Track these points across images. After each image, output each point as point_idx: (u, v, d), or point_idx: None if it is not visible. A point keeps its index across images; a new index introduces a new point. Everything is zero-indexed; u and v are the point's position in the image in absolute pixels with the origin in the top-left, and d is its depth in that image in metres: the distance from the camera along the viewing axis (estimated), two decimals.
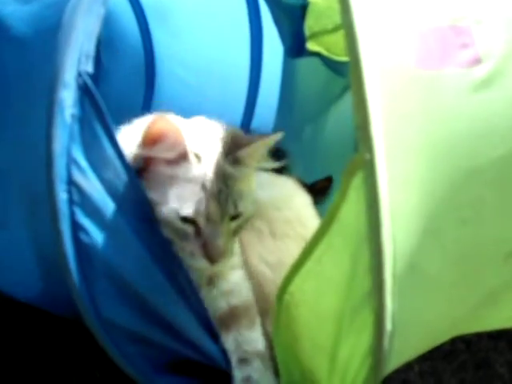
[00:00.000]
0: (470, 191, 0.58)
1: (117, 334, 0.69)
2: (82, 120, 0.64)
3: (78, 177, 0.64)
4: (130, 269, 0.68)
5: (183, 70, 1.51)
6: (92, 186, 0.65)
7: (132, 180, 0.68)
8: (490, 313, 0.75)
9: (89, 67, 0.65)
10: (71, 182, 0.64)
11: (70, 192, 0.64)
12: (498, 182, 0.60)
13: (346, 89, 1.26)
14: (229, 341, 0.76)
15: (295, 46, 1.23)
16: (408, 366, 0.98)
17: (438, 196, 0.56)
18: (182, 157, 0.71)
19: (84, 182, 0.64)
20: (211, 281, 0.78)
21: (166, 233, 0.71)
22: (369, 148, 0.49)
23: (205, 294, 0.76)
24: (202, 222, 0.70)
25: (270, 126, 1.45)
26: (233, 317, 0.78)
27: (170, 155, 0.70)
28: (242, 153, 0.74)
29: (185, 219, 0.70)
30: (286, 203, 0.94)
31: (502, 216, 0.62)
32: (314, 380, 0.74)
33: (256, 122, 1.46)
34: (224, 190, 0.71)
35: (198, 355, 0.75)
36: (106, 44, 1.53)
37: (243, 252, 0.83)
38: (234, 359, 0.76)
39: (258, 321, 0.78)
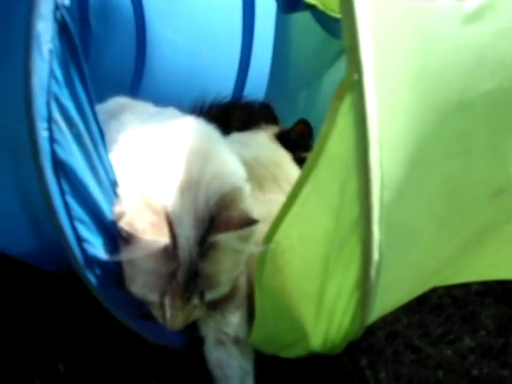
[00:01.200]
0: (458, 124, 0.58)
1: (103, 276, 0.69)
2: (59, 56, 0.62)
3: (57, 115, 0.62)
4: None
5: (174, 32, 1.50)
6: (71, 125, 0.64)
7: (100, 132, 0.67)
8: (476, 257, 0.76)
9: (65, 0, 0.61)
10: (51, 120, 0.62)
11: (50, 130, 0.62)
12: (487, 116, 0.60)
13: (340, 53, 1.24)
14: (210, 320, 0.76)
15: None
16: (396, 319, 1.00)
17: (426, 127, 0.56)
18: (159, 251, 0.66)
19: (64, 120, 0.63)
20: None
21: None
22: (357, 68, 0.48)
23: None
24: (165, 303, 0.68)
25: (263, 90, 1.45)
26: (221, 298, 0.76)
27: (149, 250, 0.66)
28: (216, 237, 0.68)
29: None
30: (273, 162, 0.94)
31: (491, 152, 0.62)
32: (299, 328, 0.75)
33: (249, 86, 1.46)
34: (192, 280, 0.68)
35: None
36: (97, 10, 1.52)
37: None
38: (210, 339, 0.76)
39: (243, 307, 0.78)
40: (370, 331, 0.95)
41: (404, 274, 0.67)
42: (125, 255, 0.67)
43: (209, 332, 0.76)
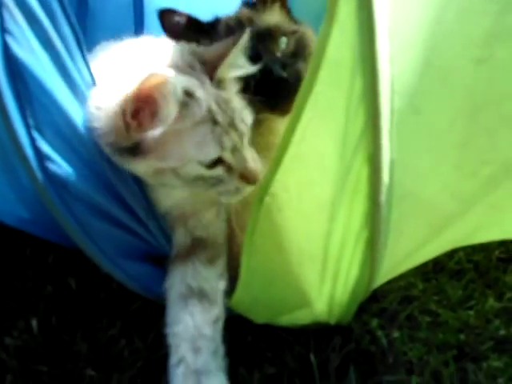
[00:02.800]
0: (487, 22, 0.48)
1: (78, 206, 0.61)
2: None
3: (10, 3, 0.54)
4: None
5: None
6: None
7: (76, 34, 0.60)
8: (503, 203, 0.67)
9: None
10: (2, 5, 0.54)
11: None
12: None
13: None
14: (177, 271, 0.69)
15: None
16: (410, 284, 0.91)
17: (447, 23, 0.46)
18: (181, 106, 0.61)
19: (20, 12, 0.55)
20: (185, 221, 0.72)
21: (189, 188, 0.66)
22: None
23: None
24: (228, 156, 0.64)
25: None
26: (193, 248, 0.70)
27: (171, 114, 0.60)
28: (222, 73, 0.65)
29: (211, 164, 0.63)
30: (268, 128, 0.86)
31: None
32: (300, 292, 0.67)
33: None
34: (226, 114, 0.64)
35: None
36: None
37: None
38: (173, 294, 0.68)
39: (220, 263, 0.70)
40: (382, 296, 0.87)
41: (420, 211, 0.57)
42: (166, 126, 0.59)
43: (174, 284, 0.68)
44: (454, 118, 0.51)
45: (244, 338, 0.73)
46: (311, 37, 0.77)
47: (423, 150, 0.52)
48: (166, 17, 0.83)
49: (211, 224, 0.73)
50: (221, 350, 0.66)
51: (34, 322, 0.76)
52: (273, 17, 0.77)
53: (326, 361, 0.73)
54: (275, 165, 0.55)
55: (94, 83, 0.64)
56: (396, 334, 0.77)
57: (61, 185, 0.59)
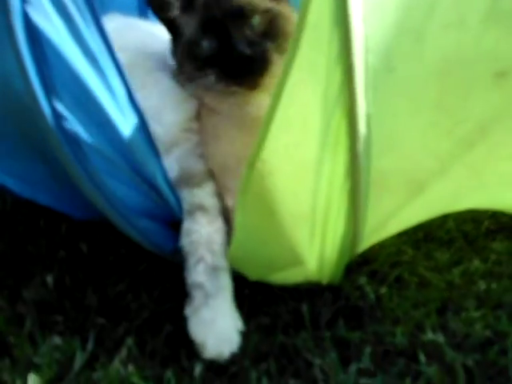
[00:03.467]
0: None
1: (90, 163, 0.68)
2: None
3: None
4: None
5: None
6: None
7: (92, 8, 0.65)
8: (484, 165, 0.71)
9: None
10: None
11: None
12: None
13: None
14: (182, 197, 0.80)
15: None
16: (401, 251, 0.96)
17: None
18: None
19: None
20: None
21: None
22: None
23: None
24: None
25: None
26: (183, 179, 0.80)
27: None
28: None
29: None
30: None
31: (493, 26, 0.56)
32: (292, 252, 0.72)
33: None
34: None
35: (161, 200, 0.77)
36: None
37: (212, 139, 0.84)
38: (184, 211, 0.79)
39: (208, 183, 0.81)
40: (373, 259, 0.91)
41: (399, 167, 0.62)
42: None
43: (183, 205, 0.79)
44: (426, 77, 0.56)
45: (241, 291, 0.78)
46: (287, 15, 0.81)
47: (399, 107, 0.57)
48: None
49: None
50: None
51: (50, 279, 0.83)
52: None
53: (318, 314, 0.79)
54: (264, 131, 0.60)
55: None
56: (384, 291, 0.82)
57: (75, 142, 0.65)
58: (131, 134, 0.70)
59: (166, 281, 0.84)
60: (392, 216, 0.75)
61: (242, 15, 0.77)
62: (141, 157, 0.72)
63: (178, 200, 0.78)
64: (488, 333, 0.73)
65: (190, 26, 0.79)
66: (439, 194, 0.74)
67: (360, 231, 0.69)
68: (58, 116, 0.63)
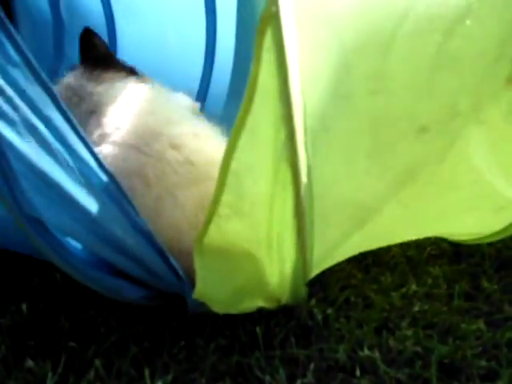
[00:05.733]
0: (375, 65, 0.64)
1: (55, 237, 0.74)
2: None
3: None
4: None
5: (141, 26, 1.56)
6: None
7: (46, 87, 0.70)
8: (417, 200, 0.81)
9: None
10: None
11: None
12: (405, 58, 0.65)
13: None
14: None
15: None
16: (350, 274, 1.05)
17: (346, 66, 0.62)
18: None
19: None
20: None
21: None
22: (275, 1, 0.54)
23: None
24: None
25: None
26: None
27: None
28: None
29: None
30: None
31: (412, 90, 0.67)
32: (255, 273, 0.80)
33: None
34: None
35: (145, 274, 0.81)
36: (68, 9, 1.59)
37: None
38: None
39: None
40: (326, 283, 1.01)
41: (340, 206, 0.72)
42: None
43: None
44: (358, 134, 0.67)
45: (204, 316, 0.86)
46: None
47: (336, 159, 0.67)
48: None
49: None
50: None
51: (24, 306, 0.89)
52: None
53: (272, 335, 0.88)
54: (220, 185, 0.66)
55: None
56: (330, 311, 0.91)
57: (36, 221, 0.71)
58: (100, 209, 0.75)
59: (132, 307, 0.91)
60: (337, 246, 0.85)
61: None
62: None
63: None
64: (418, 349, 0.83)
65: None
66: (378, 228, 0.84)
67: (308, 259, 0.78)
68: (18, 203, 0.68)
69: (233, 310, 0.87)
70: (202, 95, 1.47)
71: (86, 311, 0.89)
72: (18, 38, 0.67)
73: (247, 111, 0.62)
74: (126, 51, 1.57)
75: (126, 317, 0.89)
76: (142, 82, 1.09)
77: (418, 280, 1.03)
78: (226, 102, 1.41)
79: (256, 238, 0.77)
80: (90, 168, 0.74)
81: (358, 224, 0.80)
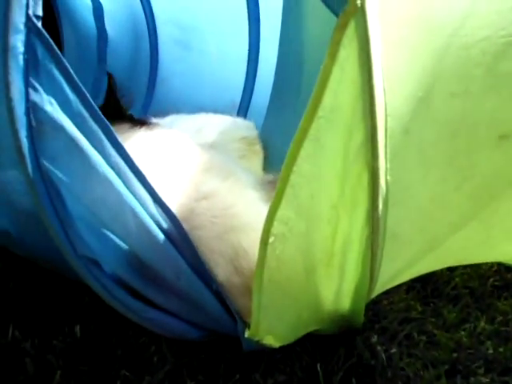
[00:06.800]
0: (456, 66, 0.61)
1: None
2: (37, 64, 0.66)
3: (39, 120, 0.66)
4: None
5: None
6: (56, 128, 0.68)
7: (102, 125, 0.71)
8: (490, 219, 0.74)
9: (38, 10, 0.65)
10: (32, 128, 0.66)
11: (31, 137, 0.67)
12: (484, 62, 0.63)
13: None
14: None
15: None
16: (409, 306, 0.97)
17: (427, 66, 0.59)
18: None
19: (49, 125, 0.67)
20: None
21: None
22: None
23: None
24: None
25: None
26: None
27: None
28: None
29: None
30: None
31: (494, 95, 0.64)
32: (314, 294, 0.75)
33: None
34: None
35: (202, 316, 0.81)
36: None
37: None
38: None
39: None
40: (383, 316, 0.94)
41: (413, 219, 0.67)
42: None
43: None
44: (437, 139, 0.63)
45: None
46: None
47: (412, 164, 0.63)
48: None
49: None
50: None
51: (78, 328, 0.84)
52: None
53: (331, 372, 0.79)
54: (277, 201, 0.63)
55: None
56: (394, 350, 0.83)
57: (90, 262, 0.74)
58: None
59: None
60: (406, 264, 0.78)
61: None
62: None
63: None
64: None
65: None
66: (450, 245, 0.77)
67: (376, 274, 0.71)
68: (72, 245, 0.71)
69: (288, 341, 0.81)
70: (244, 107, 1.47)
71: (138, 337, 0.84)
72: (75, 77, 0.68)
73: (311, 119, 0.58)
74: (166, 65, 1.61)
75: (179, 345, 0.82)
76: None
77: (484, 315, 0.95)
78: (266, 114, 1.38)
79: (312, 258, 0.71)
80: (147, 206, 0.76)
81: (428, 239, 0.74)
